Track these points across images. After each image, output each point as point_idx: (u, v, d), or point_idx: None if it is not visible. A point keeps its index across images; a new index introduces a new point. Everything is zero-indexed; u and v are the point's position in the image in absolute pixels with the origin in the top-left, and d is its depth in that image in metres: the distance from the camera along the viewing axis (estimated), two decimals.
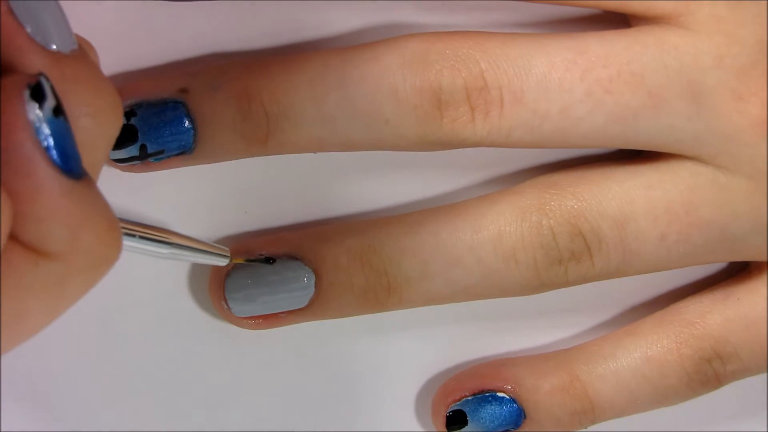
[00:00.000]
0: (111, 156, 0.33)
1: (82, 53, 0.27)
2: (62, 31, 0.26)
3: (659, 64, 0.33)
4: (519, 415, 0.37)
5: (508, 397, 0.37)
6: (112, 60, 0.34)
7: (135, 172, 0.34)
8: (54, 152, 0.24)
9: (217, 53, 0.34)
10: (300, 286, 0.35)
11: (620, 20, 0.35)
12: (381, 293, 0.35)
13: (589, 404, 0.37)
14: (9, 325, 0.25)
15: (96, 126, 0.26)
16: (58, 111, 0.25)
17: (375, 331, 0.38)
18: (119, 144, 0.33)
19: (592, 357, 0.38)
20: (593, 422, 0.38)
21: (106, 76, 0.33)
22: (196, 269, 0.37)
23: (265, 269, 0.35)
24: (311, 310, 0.36)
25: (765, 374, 0.38)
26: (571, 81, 0.33)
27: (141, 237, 0.31)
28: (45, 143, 0.24)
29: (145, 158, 0.33)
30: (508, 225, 0.35)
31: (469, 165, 0.37)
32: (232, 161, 0.35)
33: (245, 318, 0.36)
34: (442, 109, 0.33)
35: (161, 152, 0.33)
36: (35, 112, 0.24)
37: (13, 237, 0.25)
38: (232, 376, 0.37)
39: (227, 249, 0.34)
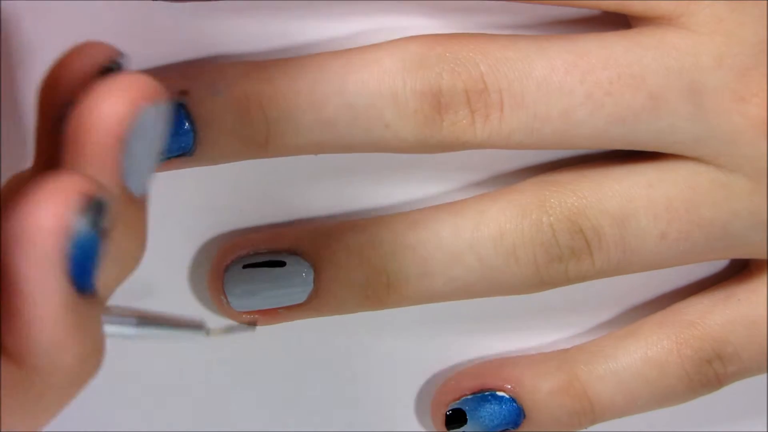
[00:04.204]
0: None
1: (144, 199, 0.27)
2: (145, 176, 0.26)
3: (660, 65, 0.33)
4: (519, 415, 0.37)
5: (507, 397, 0.37)
6: None
7: None
8: (75, 264, 0.24)
9: (217, 54, 0.34)
10: (299, 282, 0.35)
11: (621, 21, 0.35)
12: (380, 290, 0.35)
13: (589, 405, 0.37)
14: None
15: (119, 272, 0.26)
16: (104, 231, 0.24)
17: (375, 329, 0.38)
18: None
19: (593, 357, 0.38)
20: (593, 422, 0.38)
21: None
22: (195, 264, 0.37)
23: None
24: (310, 306, 0.36)
25: (765, 374, 0.38)
26: (571, 84, 0.33)
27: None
28: (71, 253, 0.23)
29: None
30: (509, 223, 0.35)
31: (469, 163, 0.37)
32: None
33: (244, 312, 0.36)
34: (442, 113, 0.33)
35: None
36: (80, 221, 0.24)
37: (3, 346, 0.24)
38: (230, 376, 0.38)
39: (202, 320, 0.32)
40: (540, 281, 0.35)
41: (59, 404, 0.25)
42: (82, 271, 0.24)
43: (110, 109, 0.25)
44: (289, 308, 0.36)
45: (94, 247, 0.24)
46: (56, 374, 0.24)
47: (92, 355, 0.25)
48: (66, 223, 0.23)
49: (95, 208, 0.24)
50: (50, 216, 0.23)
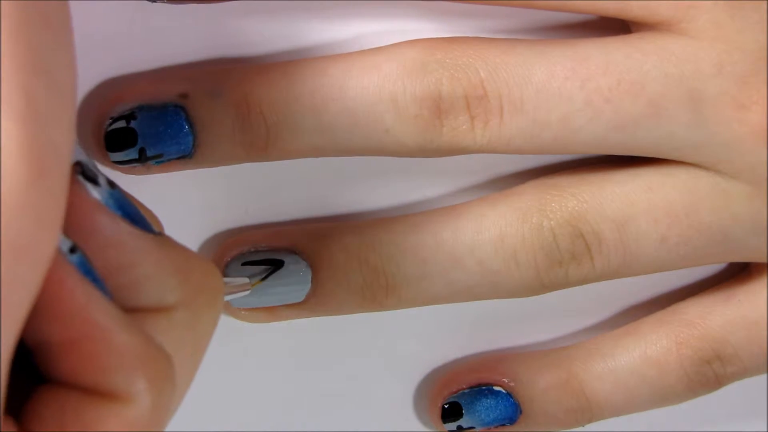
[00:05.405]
0: (111, 158, 0.34)
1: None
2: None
3: (659, 72, 0.33)
4: (515, 411, 0.38)
5: (504, 392, 0.38)
6: (113, 62, 0.34)
7: (137, 174, 0.34)
8: (128, 218, 0.25)
9: (217, 57, 0.34)
10: (297, 280, 0.35)
11: (620, 25, 0.35)
12: (379, 292, 0.35)
13: (586, 402, 0.37)
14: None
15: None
16: (112, 183, 0.25)
17: (374, 327, 0.38)
18: (119, 146, 0.33)
19: (591, 355, 0.38)
20: (590, 420, 0.38)
21: (109, 78, 0.34)
22: None
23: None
24: (308, 305, 0.36)
25: (765, 374, 0.38)
26: (570, 90, 0.33)
27: None
28: (119, 213, 0.25)
29: (145, 161, 0.33)
30: (509, 226, 0.35)
31: (469, 167, 0.37)
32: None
33: (243, 309, 0.36)
34: (442, 118, 0.33)
35: (160, 156, 0.33)
36: (96, 190, 0.25)
37: (133, 309, 0.25)
38: (229, 375, 0.38)
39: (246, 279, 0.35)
40: (540, 285, 0.35)
41: (212, 326, 0.27)
42: (134, 217, 0.25)
43: None
44: (287, 307, 0.36)
45: (121, 197, 0.25)
46: (198, 297, 0.26)
47: (208, 265, 0.26)
48: (97, 200, 0.25)
49: (89, 175, 0.25)
50: (89, 208, 0.24)
